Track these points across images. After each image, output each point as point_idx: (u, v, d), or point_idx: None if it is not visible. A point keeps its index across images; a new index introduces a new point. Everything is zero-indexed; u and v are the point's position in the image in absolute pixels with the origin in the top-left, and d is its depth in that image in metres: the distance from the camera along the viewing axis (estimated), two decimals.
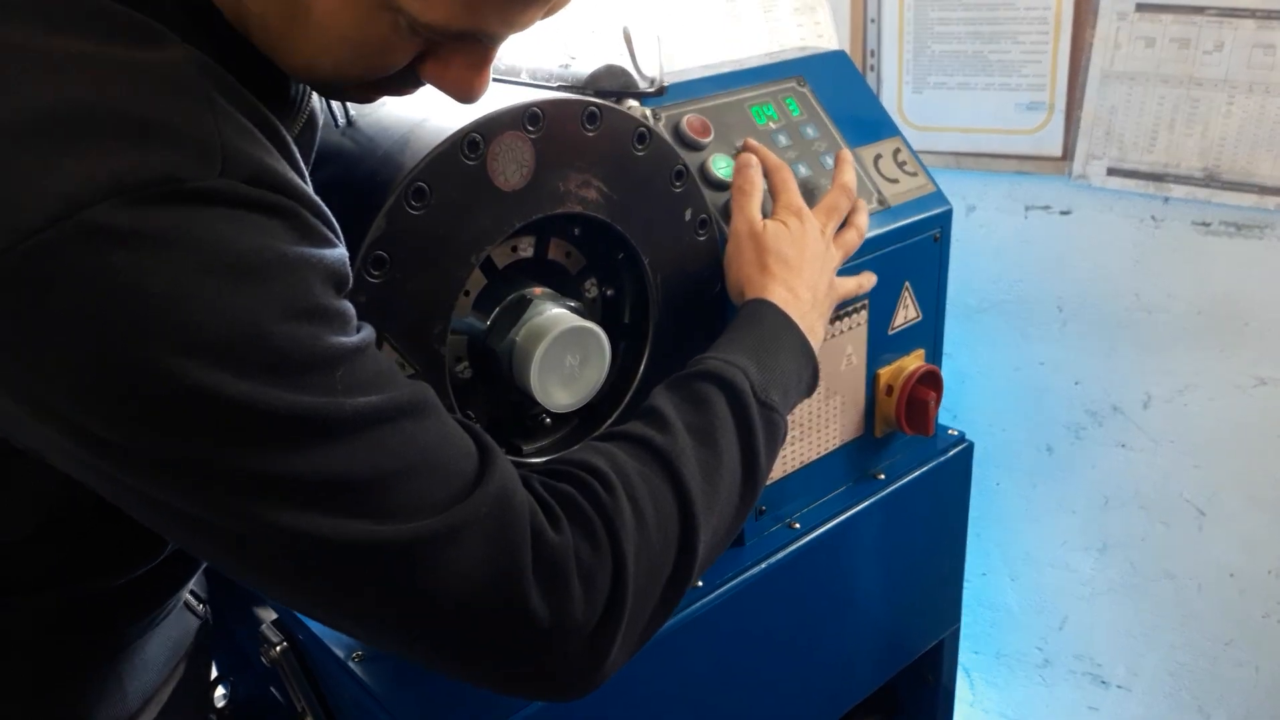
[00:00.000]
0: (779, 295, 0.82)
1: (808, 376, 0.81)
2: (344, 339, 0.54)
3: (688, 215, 0.85)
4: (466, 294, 0.78)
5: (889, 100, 1.57)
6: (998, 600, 1.85)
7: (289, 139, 0.58)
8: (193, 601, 0.93)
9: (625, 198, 0.80)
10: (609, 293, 0.87)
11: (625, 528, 0.63)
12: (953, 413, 1.76)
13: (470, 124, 0.69)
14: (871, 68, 1.57)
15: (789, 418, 0.97)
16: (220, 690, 1.25)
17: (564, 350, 0.77)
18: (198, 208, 0.49)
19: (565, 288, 0.84)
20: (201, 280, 0.49)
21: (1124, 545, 1.67)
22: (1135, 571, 1.67)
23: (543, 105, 0.72)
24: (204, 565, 0.90)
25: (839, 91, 1.10)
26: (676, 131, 0.96)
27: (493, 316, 0.79)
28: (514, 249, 0.80)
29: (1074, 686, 1.82)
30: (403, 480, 0.55)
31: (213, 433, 0.50)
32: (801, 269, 0.85)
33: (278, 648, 0.96)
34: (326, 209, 0.57)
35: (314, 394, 0.52)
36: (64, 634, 0.71)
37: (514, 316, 0.78)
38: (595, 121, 0.76)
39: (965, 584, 1.91)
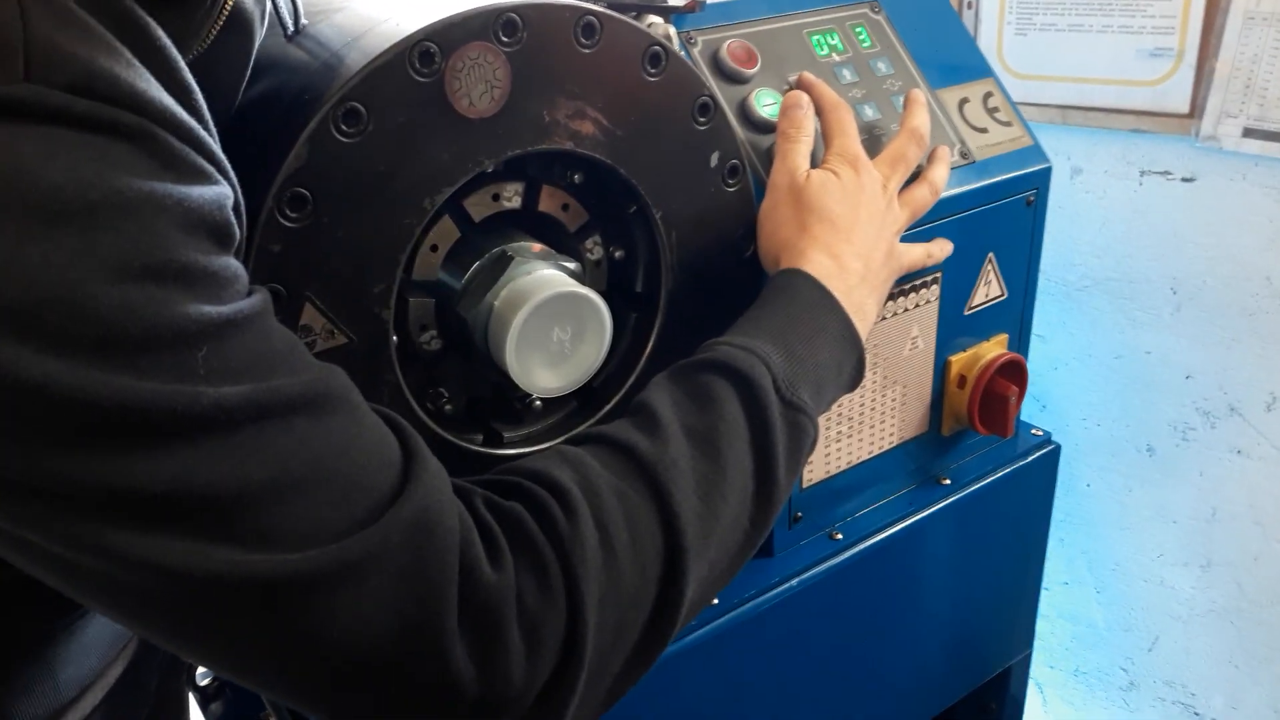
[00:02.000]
0: (820, 264, 0.66)
1: (850, 368, 0.65)
2: (210, 308, 0.41)
3: (714, 160, 0.69)
4: (434, 249, 0.64)
5: (988, 42, 1.37)
6: (1080, 613, 1.66)
7: (159, 38, 0.43)
8: None
9: (632, 135, 0.64)
10: (617, 254, 0.71)
11: (587, 564, 0.49)
12: (1041, 402, 1.57)
13: (423, 29, 0.54)
14: (969, 4, 1.37)
15: (825, 416, 0.82)
16: None
17: (550, 321, 0.62)
18: None
19: (562, 247, 0.69)
20: None
21: (1231, 564, 1.46)
22: (1243, 594, 1.47)
23: (522, 10, 0.57)
24: None
25: (922, 21, 0.92)
26: (715, 59, 0.79)
27: (467, 276, 0.64)
28: (495, 197, 0.65)
29: (1161, 715, 1.62)
30: (286, 496, 0.42)
31: (16, 427, 0.37)
32: (852, 231, 0.68)
33: None
34: (206, 133, 0.44)
35: (159, 379, 0.39)
36: None
37: (491, 278, 0.63)
38: (593, 35, 0.60)
39: (1044, 592, 1.73)
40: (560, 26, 0.59)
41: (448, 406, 0.68)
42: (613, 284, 0.73)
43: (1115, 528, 1.56)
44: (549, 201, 0.67)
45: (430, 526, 0.45)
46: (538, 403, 0.71)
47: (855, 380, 0.66)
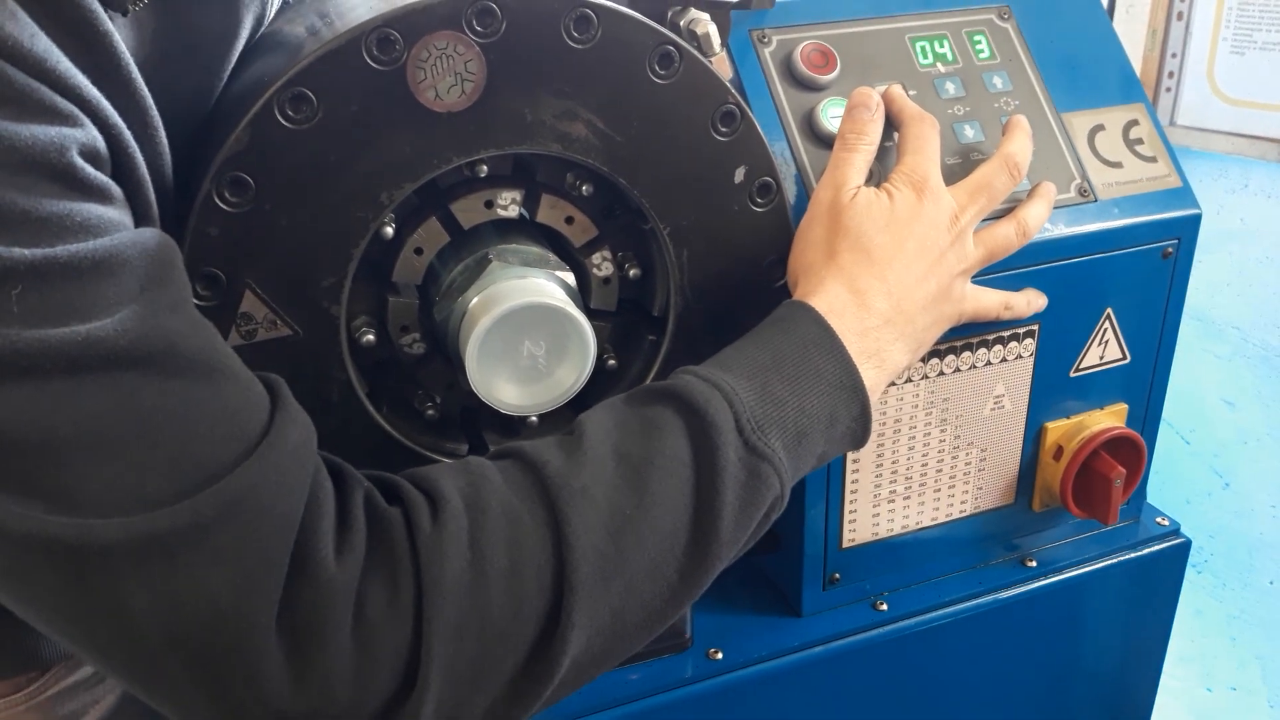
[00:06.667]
0: (833, 298, 0.58)
1: (848, 420, 0.56)
2: (25, 250, 0.38)
3: (739, 175, 0.62)
4: (418, 252, 0.60)
5: (1196, 61, 1.18)
6: None
7: None
8: None
9: (635, 141, 0.58)
10: (632, 271, 0.66)
11: (445, 582, 0.45)
12: (1224, 479, 1.36)
13: (383, 14, 0.51)
14: (1180, 15, 1.19)
15: (874, 470, 0.71)
16: None
17: (519, 333, 0.57)
18: None
19: (567, 260, 0.64)
20: None
21: None
22: None
23: None
24: None
25: (1064, 32, 0.80)
26: (788, 63, 0.72)
27: (449, 278, 0.61)
28: (489, 204, 0.61)
29: None
30: (98, 456, 0.40)
31: None
32: (890, 264, 0.59)
33: None
34: (64, 70, 0.41)
35: None
36: None
37: (468, 280, 0.60)
38: (588, 28, 0.54)
39: (1207, 694, 1.51)
40: (548, 18, 0.54)
41: (430, 412, 0.65)
42: (627, 303, 0.67)
43: None
44: (550, 213, 0.62)
45: (260, 508, 0.42)
46: (533, 419, 0.67)
47: (857, 436, 0.58)
